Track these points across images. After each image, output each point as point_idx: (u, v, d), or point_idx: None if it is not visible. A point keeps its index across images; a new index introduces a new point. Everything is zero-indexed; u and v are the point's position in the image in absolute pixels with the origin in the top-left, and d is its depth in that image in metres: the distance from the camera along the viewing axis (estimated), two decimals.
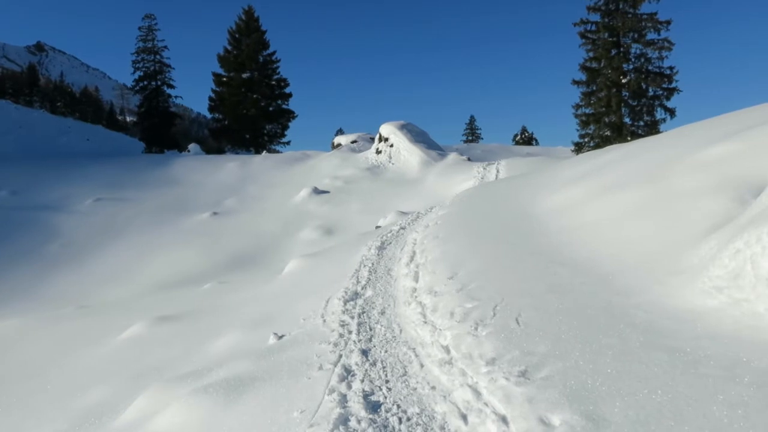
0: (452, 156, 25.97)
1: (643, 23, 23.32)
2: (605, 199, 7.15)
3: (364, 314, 6.19)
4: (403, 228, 10.89)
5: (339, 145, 34.07)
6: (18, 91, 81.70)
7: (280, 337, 6.15)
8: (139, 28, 46.65)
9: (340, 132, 63.17)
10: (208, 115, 47.83)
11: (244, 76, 42.08)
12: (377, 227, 14.85)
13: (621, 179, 7.65)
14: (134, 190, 23.76)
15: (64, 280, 15.92)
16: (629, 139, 21.59)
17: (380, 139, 28.27)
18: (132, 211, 21.60)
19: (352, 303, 6.67)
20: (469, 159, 26.05)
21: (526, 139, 69.00)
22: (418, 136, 28.37)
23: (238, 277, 15.00)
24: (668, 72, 23.43)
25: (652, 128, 23.57)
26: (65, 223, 19.79)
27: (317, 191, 22.75)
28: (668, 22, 23.08)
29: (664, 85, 23.47)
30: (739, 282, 3.71)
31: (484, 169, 22.62)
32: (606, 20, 23.90)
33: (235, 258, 17.42)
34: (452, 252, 7.24)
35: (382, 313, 6.17)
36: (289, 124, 44.62)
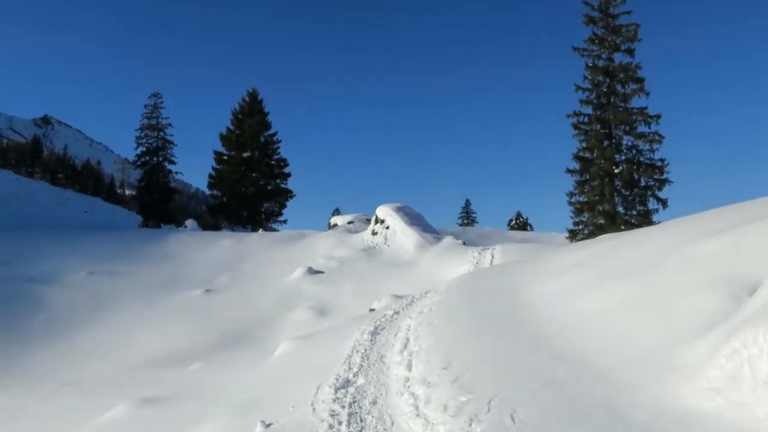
0: (447, 240, 26.11)
1: (634, 116, 24.09)
2: (600, 290, 7.14)
3: (355, 404, 6.03)
4: (397, 313, 10.79)
5: (335, 225, 34.28)
6: (20, 162, 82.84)
7: (268, 425, 5.96)
8: (145, 106, 47.90)
9: (336, 212, 63.72)
10: (207, 192, 48.35)
11: (245, 155, 42.91)
12: (371, 310, 14.72)
13: (616, 270, 7.68)
14: (128, 264, 23.62)
15: (49, 355, 15.57)
16: (623, 228, 21.80)
17: (376, 221, 28.50)
18: (124, 285, 21.40)
19: (343, 391, 6.51)
20: (464, 243, 26.18)
21: (520, 224, 69.60)
22: (414, 218, 28.64)
23: (227, 356, 14.67)
24: (659, 164, 23.97)
25: (645, 218, 23.85)
26: (55, 296, 19.52)
27: (312, 271, 22.68)
28: (658, 117, 23.83)
29: (656, 176, 23.96)
30: (737, 384, 3.66)
31: (479, 254, 22.68)
32: (598, 113, 24.71)
33: (225, 336, 17.13)
34: (446, 340, 7.15)
35: (374, 403, 6.01)
36: (287, 203, 45.09)
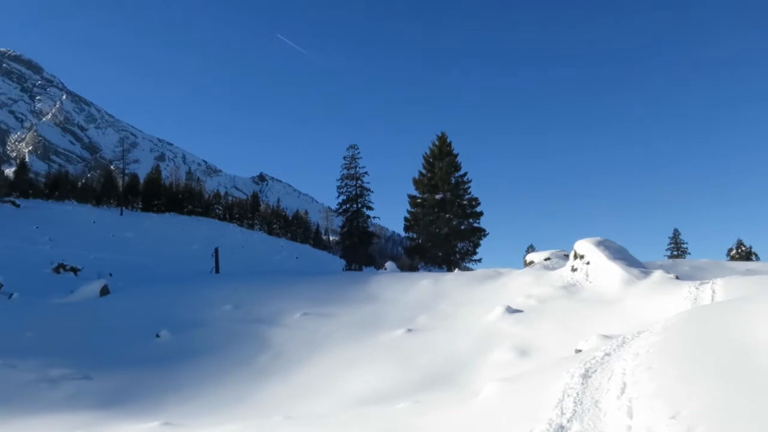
0: (657, 274, 23.98)
1: None
2: None
3: None
4: (608, 354, 10.12)
5: (531, 262, 33.42)
6: (242, 215, 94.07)
7: None
8: (344, 157, 51.83)
9: (531, 249, 62.29)
10: (403, 234, 50.39)
11: (437, 197, 44.05)
12: (577, 351, 14.00)
13: None
14: (336, 306, 25.29)
15: (274, 390, 17.04)
16: None
17: (575, 257, 27.23)
18: (333, 325, 22.89)
19: None
20: (676, 277, 23.85)
21: (743, 253, 61.76)
22: (617, 252, 26.84)
23: (431, 396, 14.86)
24: None
25: None
26: (277, 336, 21.55)
27: (510, 310, 22.26)
28: None
29: None
30: None
31: (697, 289, 20.46)
32: None
33: (427, 376, 17.38)
34: (671, 386, 6.53)
35: None
36: (480, 242, 45.17)
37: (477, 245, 45.23)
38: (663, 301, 20.13)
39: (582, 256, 26.78)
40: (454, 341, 20.22)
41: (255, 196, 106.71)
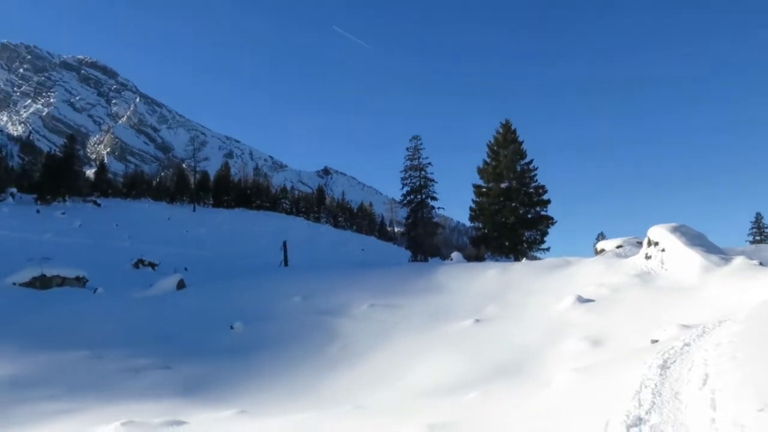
0: (738, 260, 22.79)
1: None
2: None
3: None
4: (687, 344, 9.71)
5: (602, 250, 32.49)
6: (309, 209, 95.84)
7: None
8: (407, 149, 51.73)
9: (601, 236, 60.55)
10: (467, 224, 50.05)
11: (503, 185, 43.45)
12: (653, 342, 13.52)
13: None
14: (402, 297, 25.40)
15: (343, 380, 17.30)
16: None
17: (649, 243, 26.24)
18: (400, 316, 23.00)
19: (635, 429, 6.05)
20: (760, 263, 22.60)
21: None
22: (694, 238, 25.67)
23: (501, 386, 14.69)
24: None
25: None
26: (345, 327, 21.87)
27: (581, 299, 21.71)
28: None
29: None
30: None
31: None
32: None
33: (496, 366, 17.19)
34: (758, 377, 6.20)
35: None
36: (548, 230, 44.26)
37: (545, 234, 44.37)
38: (745, 288, 19.13)
39: (656, 243, 25.78)
40: (523, 331, 19.91)
41: (320, 190, 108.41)
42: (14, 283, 28.00)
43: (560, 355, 17.28)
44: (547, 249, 44.50)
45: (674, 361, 8.73)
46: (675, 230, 25.88)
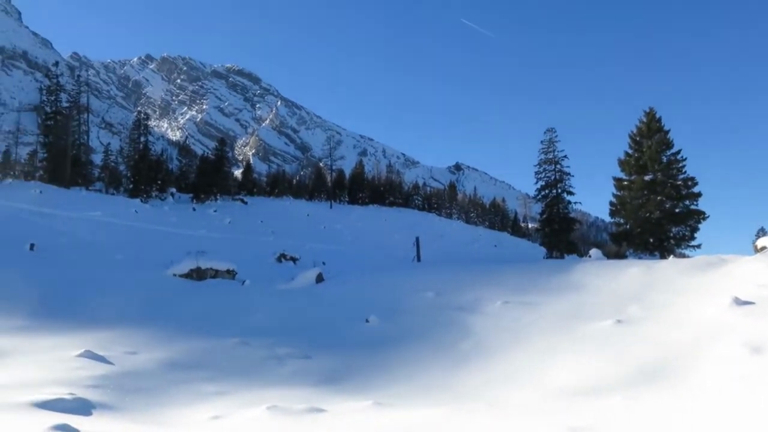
0: None
1: None
2: None
3: None
4: None
5: (764, 248, 29.43)
6: (440, 205, 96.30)
7: None
8: (541, 142, 50.30)
9: (762, 233, 54.95)
10: (607, 219, 47.63)
11: (647, 178, 40.81)
12: None
13: None
14: (537, 295, 24.71)
15: (475, 377, 17.19)
16: None
17: None
18: (535, 315, 22.39)
19: None
20: None
21: None
22: None
23: (645, 392, 13.83)
24: None
25: None
26: (477, 324, 21.70)
27: (738, 301, 19.81)
28: None
29: None
30: None
31: None
32: None
33: (639, 370, 16.19)
34: None
35: None
36: (699, 225, 40.89)
37: (695, 230, 41.04)
38: None
39: None
40: (671, 334, 18.57)
41: (452, 186, 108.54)
42: (175, 274, 31.16)
43: (713, 362, 15.88)
44: (698, 246, 41.17)
45: None
46: None
